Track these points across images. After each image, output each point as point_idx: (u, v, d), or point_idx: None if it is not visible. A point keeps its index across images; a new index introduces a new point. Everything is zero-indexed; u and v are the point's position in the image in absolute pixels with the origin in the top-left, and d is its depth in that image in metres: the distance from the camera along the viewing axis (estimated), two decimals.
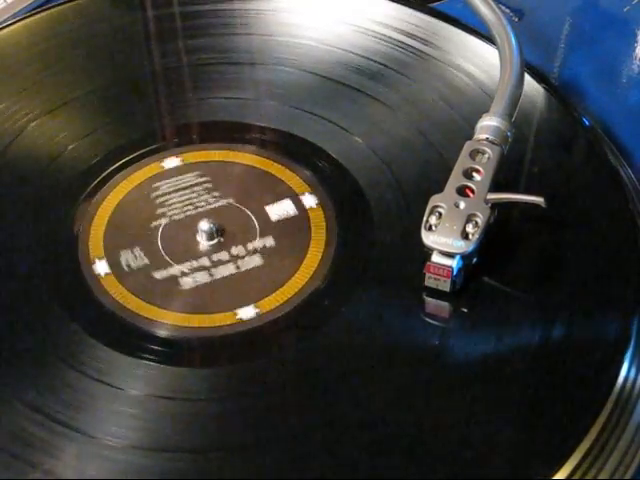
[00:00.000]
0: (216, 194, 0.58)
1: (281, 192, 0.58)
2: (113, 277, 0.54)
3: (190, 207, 0.57)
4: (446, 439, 0.46)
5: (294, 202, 0.57)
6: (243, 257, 0.55)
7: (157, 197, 0.58)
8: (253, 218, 0.57)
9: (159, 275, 0.54)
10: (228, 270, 0.54)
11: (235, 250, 0.55)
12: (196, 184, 0.58)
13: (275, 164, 0.59)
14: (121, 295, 0.53)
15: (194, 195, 0.58)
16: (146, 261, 0.54)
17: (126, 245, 0.55)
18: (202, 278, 0.54)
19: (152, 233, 0.56)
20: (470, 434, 0.46)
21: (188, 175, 0.59)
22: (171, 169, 0.59)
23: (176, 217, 0.56)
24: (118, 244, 0.55)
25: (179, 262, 0.54)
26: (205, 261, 0.54)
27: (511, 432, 0.46)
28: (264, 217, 0.57)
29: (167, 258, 0.54)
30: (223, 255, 0.55)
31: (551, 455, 0.45)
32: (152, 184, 0.58)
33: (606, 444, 0.46)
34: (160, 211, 0.57)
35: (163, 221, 0.56)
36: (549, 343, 0.50)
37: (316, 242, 0.55)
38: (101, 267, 0.54)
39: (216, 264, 0.54)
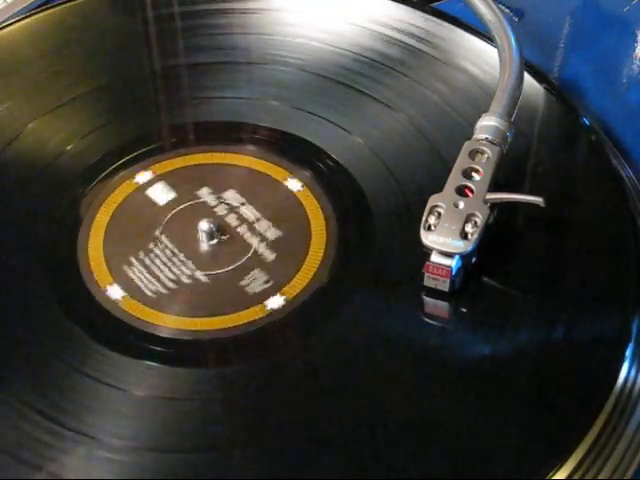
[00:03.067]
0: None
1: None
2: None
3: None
4: (446, 439, 0.46)
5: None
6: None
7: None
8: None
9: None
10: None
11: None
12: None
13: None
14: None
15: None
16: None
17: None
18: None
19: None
20: (470, 434, 0.46)
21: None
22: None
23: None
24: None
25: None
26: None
27: (511, 432, 0.46)
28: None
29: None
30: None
31: (551, 455, 0.45)
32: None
33: (606, 444, 0.46)
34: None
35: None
36: (549, 343, 0.50)
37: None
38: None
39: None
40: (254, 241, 0.55)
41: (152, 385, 0.49)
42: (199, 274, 0.54)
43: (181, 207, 0.57)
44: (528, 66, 0.60)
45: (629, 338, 0.49)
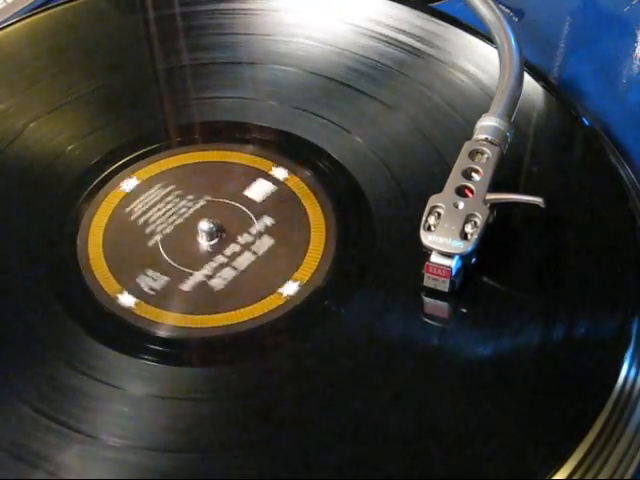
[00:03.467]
0: (190, 197, 0.58)
1: (251, 174, 0.58)
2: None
3: (174, 217, 0.57)
4: (445, 439, 0.46)
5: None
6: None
7: (137, 219, 0.57)
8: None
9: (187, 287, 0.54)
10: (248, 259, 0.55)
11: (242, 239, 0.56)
12: (166, 194, 0.58)
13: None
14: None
15: (170, 206, 0.57)
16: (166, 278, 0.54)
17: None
18: (228, 275, 0.54)
19: (154, 251, 0.56)
20: (470, 434, 0.46)
21: (155, 188, 0.59)
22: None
23: (167, 230, 0.56)
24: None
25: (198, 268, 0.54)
26: (222, 259, 0.55)
27: (511, 432, 0.46)
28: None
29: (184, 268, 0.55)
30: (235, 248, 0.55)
31: (551, 455, 0.45)
32: (124, 209, 0.57)
33: (606, 444, 0.46)
34: (149, 230, 0.56)
35: (158, 237, 0.56)
36: (549, 343, 0.50)
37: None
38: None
39: (234, 257, 0.55)
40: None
41: (151, 384, 0.49)
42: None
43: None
44: (528, 66, 0.60)
45: (629, 338, 0.49)
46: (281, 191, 0.58)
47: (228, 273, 0.54)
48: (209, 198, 0.58)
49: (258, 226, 0.56)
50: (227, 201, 0.58)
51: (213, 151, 0.61)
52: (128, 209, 0.57)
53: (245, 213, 0.57)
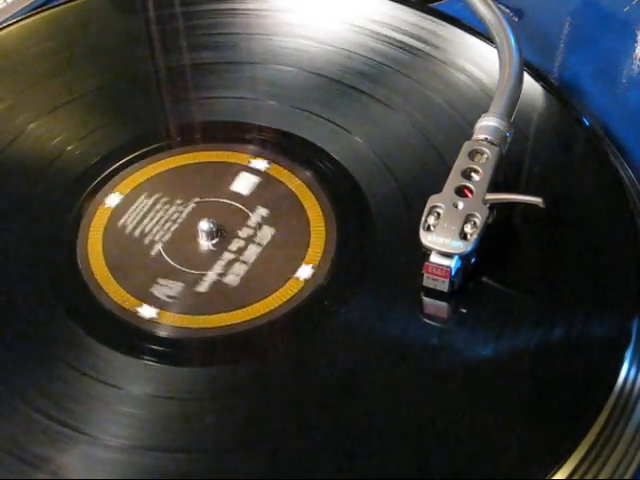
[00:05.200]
0: (179, 201, 0.58)
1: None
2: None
3: (169, 223, 0.57)
4: (445, 439, 0.46)
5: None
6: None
7: (132, 231, 0.57)
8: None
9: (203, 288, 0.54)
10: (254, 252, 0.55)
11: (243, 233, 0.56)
12: (153, 203, 0.58)
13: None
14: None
15: (161, 214, 0.57)
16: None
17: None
18: (239, 270, 0.54)
19: (159, 259, 0.55)
20: (469, 434, 0.46)
21: (141, 199, 0.58)
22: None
23: (166, 237, 0.56)
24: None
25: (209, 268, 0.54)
26: (229, 255, 0.55)
27: (511, 432, 0.46)
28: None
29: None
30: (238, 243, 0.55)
31: (551, 455, 0.45)
32: (116, 224, 0.57)
33: (606, 444, 0.46)
34: (147, 240, 0.56)
35: (159, 245, 0.56)
36: (549, 343, 0.50)
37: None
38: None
39: (240, 251, 0.55)
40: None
41: (151, 384, 0.49)
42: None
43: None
44: (528, 66, 0.60)
45: (629, 338, 0.49)
46: (267, 181, 0.58)
47: (240, 268, 0.54)
48: (198, 199, 0.58)
49: (254, 218, 0.56)
50: (216, 199, 0.58)
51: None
52: (120, 223, 0.57)
53: (238, 208, 0.57)
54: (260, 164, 0.59)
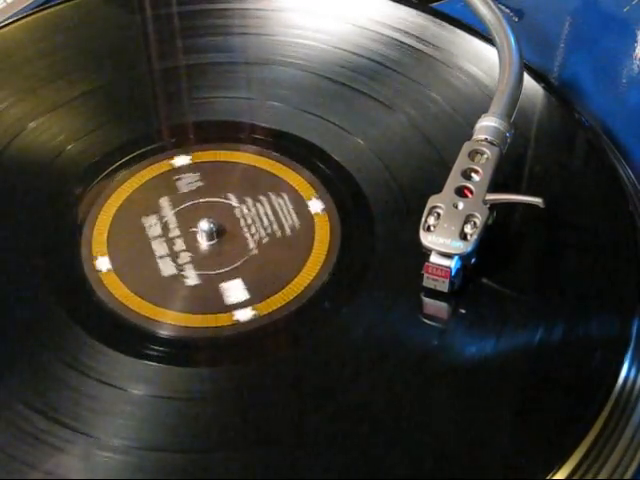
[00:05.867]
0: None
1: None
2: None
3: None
4: (445, 439, 0.46)
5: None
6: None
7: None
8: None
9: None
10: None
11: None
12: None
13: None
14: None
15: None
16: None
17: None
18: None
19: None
20: (469, 434, 0.46)
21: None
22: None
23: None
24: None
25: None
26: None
27: (511, 432, 0.46)
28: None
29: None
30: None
31: (551, 455, 0.45)
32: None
33: (606, 444, 0.46)
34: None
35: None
36: (549, 343, 0.50)
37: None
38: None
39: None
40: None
41: (151, 384, 0.49)
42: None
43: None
44: (528, 66, 0.60)
45: (629, 338, 0.49)
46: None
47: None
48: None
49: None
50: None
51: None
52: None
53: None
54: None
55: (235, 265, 0.54)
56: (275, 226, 0.56)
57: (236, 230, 0.56)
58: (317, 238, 0.55)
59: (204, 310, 0.52)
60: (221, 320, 0.52)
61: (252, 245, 0.55)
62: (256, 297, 0.53)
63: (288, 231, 0.56)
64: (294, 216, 0.57)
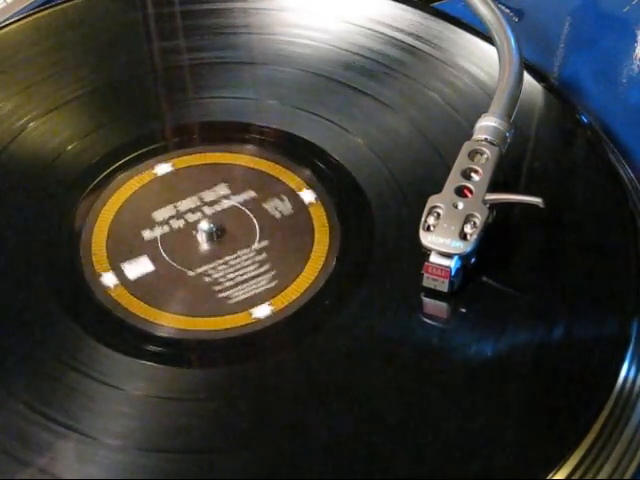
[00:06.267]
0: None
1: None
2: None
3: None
4: (445, 439, 0.46)
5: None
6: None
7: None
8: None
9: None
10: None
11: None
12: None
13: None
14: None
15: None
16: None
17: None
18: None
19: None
20: (469, 434, 0.46)
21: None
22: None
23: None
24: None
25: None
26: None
27: (511, 432, 0.46)
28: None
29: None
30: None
31: (551, 455, 0.45)
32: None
33: (606, 444, 0.46)
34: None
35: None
36: (549, 343, 0.50)
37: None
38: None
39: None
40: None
41: (150, 384, 0.49)
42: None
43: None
44: (528, 66, 0.60)
45: (629, 338, 0.49)
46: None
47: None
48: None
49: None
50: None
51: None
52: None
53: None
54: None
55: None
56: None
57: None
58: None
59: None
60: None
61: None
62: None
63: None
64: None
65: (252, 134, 0.62)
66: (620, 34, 0.69)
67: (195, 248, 0.55)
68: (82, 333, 0.51)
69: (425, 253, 0.51)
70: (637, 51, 0.67)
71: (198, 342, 0.51)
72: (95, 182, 0.59)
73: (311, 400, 0.48)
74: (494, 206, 0.52)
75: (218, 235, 0.55)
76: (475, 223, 0.51)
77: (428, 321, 0.51)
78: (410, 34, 0.66)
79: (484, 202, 0.52)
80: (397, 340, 0.50)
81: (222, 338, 0.51)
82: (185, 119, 0.64)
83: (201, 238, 0.55)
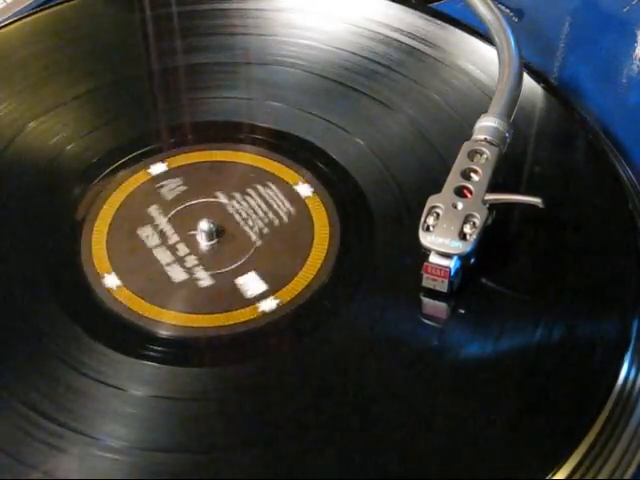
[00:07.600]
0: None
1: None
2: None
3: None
4: (445, 439, 0.46)
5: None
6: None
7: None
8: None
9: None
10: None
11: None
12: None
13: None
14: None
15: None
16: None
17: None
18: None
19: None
20: (469, 434, 0.46)
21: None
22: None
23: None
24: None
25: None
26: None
27: (511, 432, 0.46)
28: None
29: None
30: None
31: (551, 455, 0.45)
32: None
33: (606, 444, 0.46)
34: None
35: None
36: (548, 343, 0.49)
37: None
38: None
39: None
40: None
41: (152, 384, 0.49)
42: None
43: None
44: (527, 66, 0.60)
45: (629, 338, 0.49)
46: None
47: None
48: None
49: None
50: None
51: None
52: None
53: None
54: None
55: (244, 259, 0.54)
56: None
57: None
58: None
59: (227, 308, 0.52)
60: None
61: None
62: (275, 286, 0.53)
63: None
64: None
65: (252, 134, 0.62)
66: (620, 34, 0.69)
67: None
68: (82, 333, 0.51)
69: (425, 253, 0.51)
70: (637, 51, 0.67)
71: (199, 341, 0.51)
72: (95, 182, 0.59)
73: (311, 400, 0.48)
74: (494, 206, 0.52)
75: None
76: (475, 223, 0.51)
77: (427, 321, 0.51)
78: (410, 35, 0.66)
79: (484, 202, 0.52)
80: (396, 340, 0.50)
81: (223, 337, 0.51)
82: (185, 119, 0.64)
83: (200, 237, 0.55)
